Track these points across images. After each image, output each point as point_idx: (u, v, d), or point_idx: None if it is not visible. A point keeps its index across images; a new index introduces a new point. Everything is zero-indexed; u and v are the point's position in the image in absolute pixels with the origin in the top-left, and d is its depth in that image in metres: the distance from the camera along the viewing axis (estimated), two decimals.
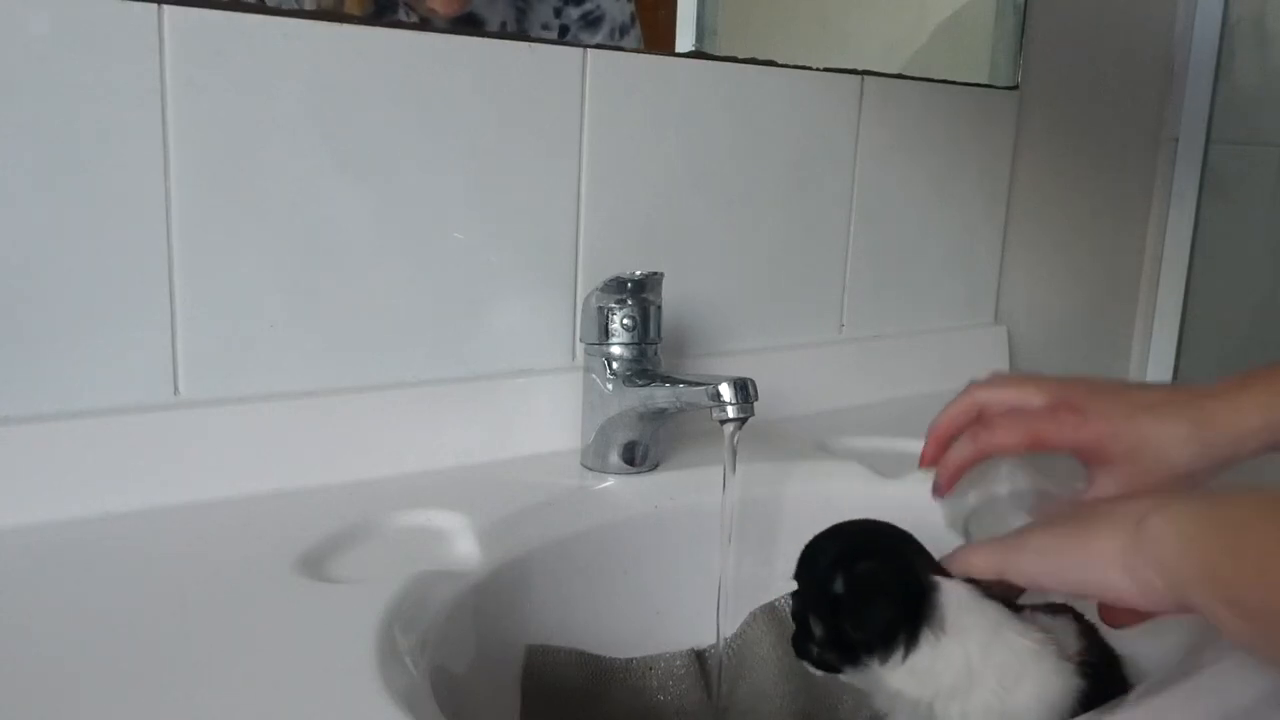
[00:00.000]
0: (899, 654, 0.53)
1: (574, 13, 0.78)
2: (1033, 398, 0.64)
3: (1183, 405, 0.61)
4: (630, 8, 0.81)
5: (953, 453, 0.66)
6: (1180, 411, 0.60)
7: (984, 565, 0.55)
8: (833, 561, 0.55)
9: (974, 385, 0.68)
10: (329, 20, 0.69)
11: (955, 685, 0.53)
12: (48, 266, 0.63)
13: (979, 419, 0.66)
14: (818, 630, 0.55)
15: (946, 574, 0.55)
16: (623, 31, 0.81)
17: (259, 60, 0.67)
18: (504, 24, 0.76)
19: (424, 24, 0.73)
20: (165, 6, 0.63)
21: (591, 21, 0.78)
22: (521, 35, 0.77)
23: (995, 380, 0.68)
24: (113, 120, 0.63)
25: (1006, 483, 0.76)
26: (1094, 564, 0.50)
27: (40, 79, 0.61)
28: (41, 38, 0.60)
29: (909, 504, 0.67)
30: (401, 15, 0.72)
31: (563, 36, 0.78)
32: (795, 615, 0.58)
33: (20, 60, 0.60)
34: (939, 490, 0.67)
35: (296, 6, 0.68)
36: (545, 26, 0.77)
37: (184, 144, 0.65)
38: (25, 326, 0.63)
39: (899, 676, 0.53)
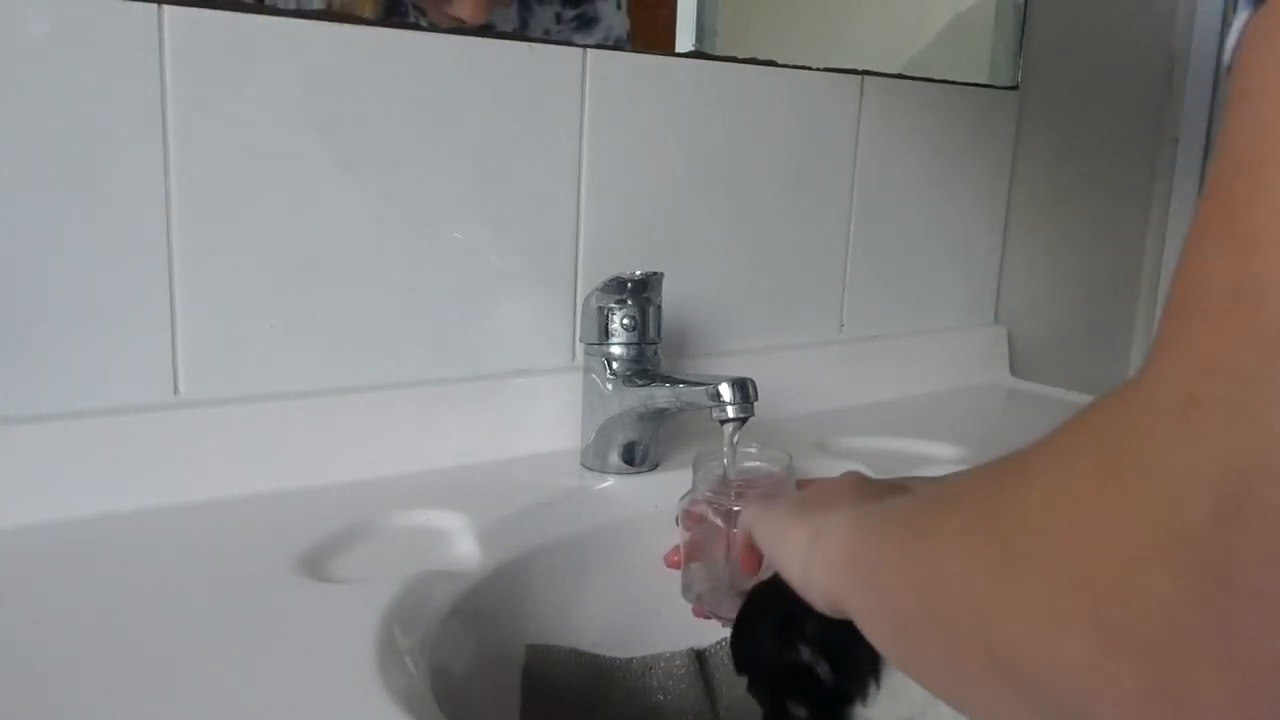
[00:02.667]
0: (873, 684, 0.52)
1: (569, 14, 0.78)
2: None
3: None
4: (629, 24, 0.81)
5: None
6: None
7: (745, 519, 0.57)
8: (780, 637, 0.53)
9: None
10: (329, 20, 0.69)
11: (925, 697, 0.52)
12: (48, 266, 0.63)
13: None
14: (799, 710, 0.54)
15: None
16: (618, 44, 0.81)
17: (259, 60, 0.67)
18: (515, 30, 0.76)
19: (423, 25, 0.73)
20: (165, 6, 0.63)
21: (585, 23, 0.78)
22: (522, 35, 0.77)
23: None
24: (113, 120, 0.63)
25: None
26: (786, 550, 0.50)
27: (40, 79, 0.61)
28: (41, 38, 0.60)
29: None
30: (412, 20, 0.72)
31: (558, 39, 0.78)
32: (768, 705, 0.56)
33: (20, 60, 0.60)
34: None
35: (302, 5, 0.68)
36: (546, 32, 0.77)
37: (184, 144, 0.65)
38: (25, 326, 0.63)
39: (880, 704, 0.53)
